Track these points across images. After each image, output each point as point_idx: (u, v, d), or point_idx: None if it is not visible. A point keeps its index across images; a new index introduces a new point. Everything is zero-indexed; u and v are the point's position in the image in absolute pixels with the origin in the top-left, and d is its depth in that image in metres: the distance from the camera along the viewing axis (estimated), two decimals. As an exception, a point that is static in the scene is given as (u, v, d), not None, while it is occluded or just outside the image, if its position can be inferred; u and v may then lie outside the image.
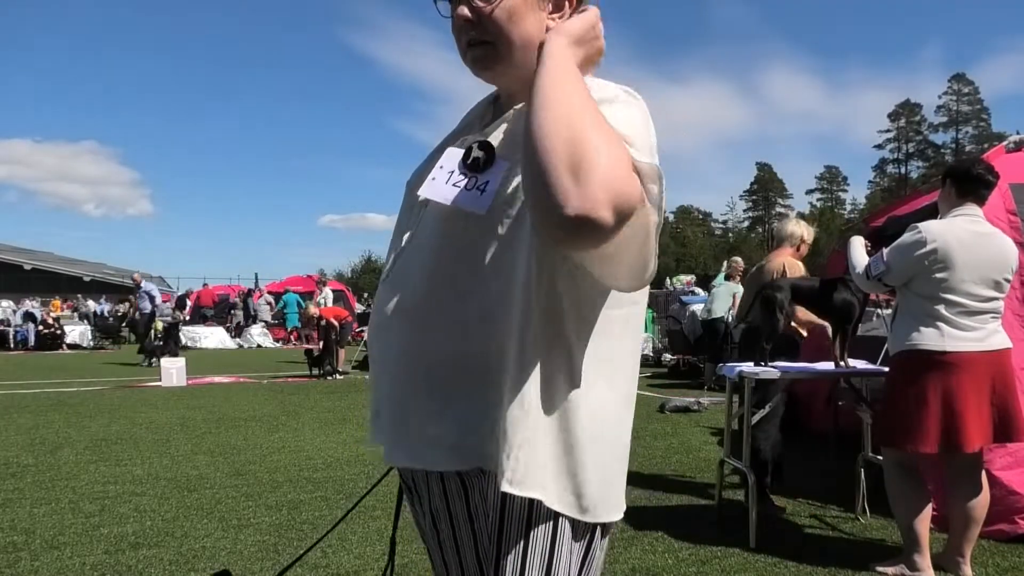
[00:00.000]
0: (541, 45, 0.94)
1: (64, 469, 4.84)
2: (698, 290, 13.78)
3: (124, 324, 23.45)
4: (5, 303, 22.33)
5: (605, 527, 1.04)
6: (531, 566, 0.97)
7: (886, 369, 3.25)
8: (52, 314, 20.49)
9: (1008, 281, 2.94)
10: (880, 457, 3.28)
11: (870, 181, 69.88)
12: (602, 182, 0.80)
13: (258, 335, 20.96)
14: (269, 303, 22.34)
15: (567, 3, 1.07)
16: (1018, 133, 4.68)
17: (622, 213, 0.82)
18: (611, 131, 0.85)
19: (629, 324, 1.05)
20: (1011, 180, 3.81)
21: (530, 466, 0.94)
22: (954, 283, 2.86)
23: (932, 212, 3.28)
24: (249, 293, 23.84)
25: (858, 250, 3.31)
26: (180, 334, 19.71)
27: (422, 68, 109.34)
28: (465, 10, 1.02)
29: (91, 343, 19.89)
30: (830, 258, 6.22)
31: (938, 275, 2.87)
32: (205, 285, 24.66)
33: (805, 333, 4.17)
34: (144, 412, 7.40)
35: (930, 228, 2.92)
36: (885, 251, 3.06)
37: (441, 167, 1.08)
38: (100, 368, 13.21)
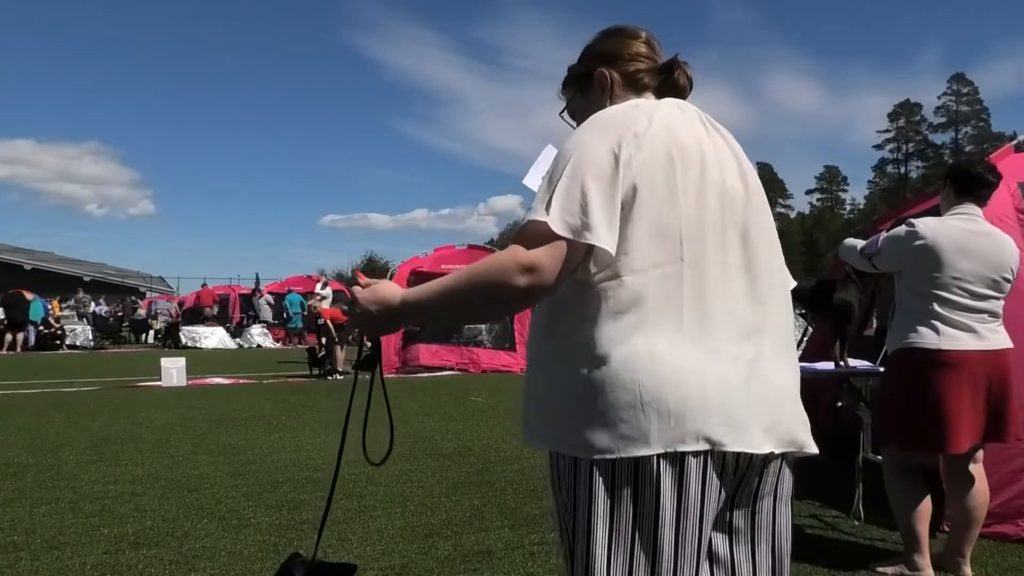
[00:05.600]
0: None
1: (64, 469, 4.84)
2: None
3: (124, 324, 23.48)
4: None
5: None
6: None
7: (883, 369, 3.25)
8: (55, 315, 20.46)
9: (1008, 281, 2.93)
10: (880, 457, 3.28)
11: (870, 181, 70.01)
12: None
13: (258, 335, 20.97)
14: (269, 303, 22.34)
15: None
16: (1015, 133, 4.69)
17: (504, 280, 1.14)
18: (472, 271, 1.16)
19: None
20: (1020, 179, 3.80)
21: None
22: (947, 281, 2.86)
23: (939, 215, 3.29)
24: (253, 292, 23.83)
25: (855, 238, 3.35)
26: (180, 334, 19.78)
27: (424, 69, 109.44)
28: None
29: (91, 343, 19.88)
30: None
31: (929, 272, 2.88)
32: (205, 285, 24.63)
33: None
34: (144, 412, 7.40)
35: (923, 224, 2.94)
36: (883, 235, 3.08)
37: None
38: (100, 368, 13.21)
